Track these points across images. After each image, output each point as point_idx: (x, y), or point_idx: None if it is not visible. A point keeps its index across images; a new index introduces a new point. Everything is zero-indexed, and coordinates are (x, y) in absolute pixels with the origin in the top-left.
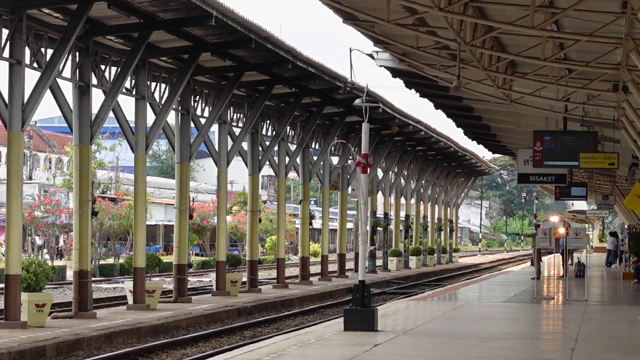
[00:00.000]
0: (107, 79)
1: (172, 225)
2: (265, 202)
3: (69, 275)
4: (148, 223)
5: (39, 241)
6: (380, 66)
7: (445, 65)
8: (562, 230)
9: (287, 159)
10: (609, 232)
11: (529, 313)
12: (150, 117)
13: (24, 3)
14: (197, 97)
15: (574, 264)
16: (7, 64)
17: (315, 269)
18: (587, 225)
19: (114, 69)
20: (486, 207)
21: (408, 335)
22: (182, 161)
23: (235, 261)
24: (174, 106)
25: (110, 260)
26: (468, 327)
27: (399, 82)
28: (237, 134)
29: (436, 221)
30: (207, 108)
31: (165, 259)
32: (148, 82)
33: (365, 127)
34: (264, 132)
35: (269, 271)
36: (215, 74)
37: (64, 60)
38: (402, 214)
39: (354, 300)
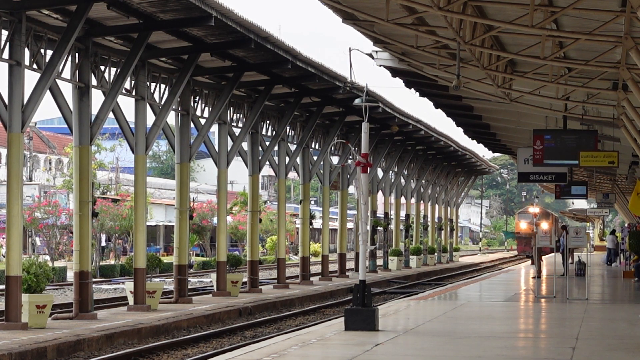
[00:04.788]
0: (107, 79)
1: (173, 226)
2: (265, 202)
3: (70, 276)
4: (148, 224)
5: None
6: (380, 66)
7: (445, 64)
8: (545, 226)
9: (287, 159)
10: (609, 230)
11: (530, 312)
12: (150, 118)
13: (23, 4)
14: (197, 97)
15: (574, 262)
16: (6, 65)
17: (315, 268)
18: (587, 224)
19: (113, 69)
20: (486, 206)
21: (409, 334)
22: (182, 162)
23: (235, 261)
24: (173, 107)
25: (111, 261)
26: (469, 327)
27: (399, 82)
28: (237, 134)
29: (436, 220)
30: (207, 108)
31: (166, 259)
32: (148, 83)
33: (365, 126)
34: (264, 132)
35: (269, 271)
36: (215, 75)
37: (64, 61)
38: (403, 213)
39: (355, 300)
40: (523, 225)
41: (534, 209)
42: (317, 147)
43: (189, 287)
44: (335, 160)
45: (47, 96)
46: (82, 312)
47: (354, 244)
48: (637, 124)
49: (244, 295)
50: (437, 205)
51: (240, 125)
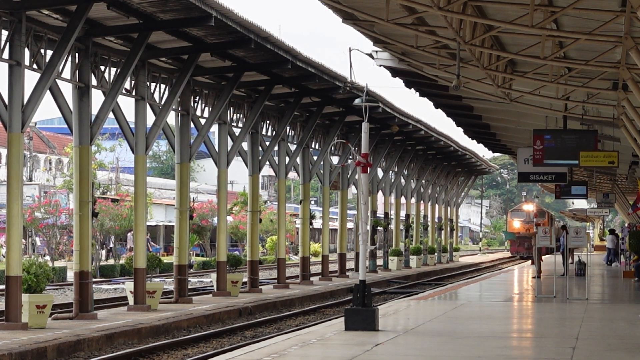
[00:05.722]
0: (107, 79)
1: (173, 226)
2: (265, 202)
3: (70, 276)
4: (148, 224)
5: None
6: (380, 66)
7: (445, 64)
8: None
9: (287, 159)
10: (608, 229)
11: (530, 312)
12: (150, 118)
13: (23, 4)
14: (197, 97)
15: (574, 262)
16: (6, 65)
17: (315, 268)
18: (587, 224)
19: (113, 69)
20: (486, 206)
21: (409, 334)
22: (182, 162)
23: (235, 261)
24: (173, 107)
25: (111, 261)
26: (469, 327)
27: (399, 82)
28: (237, 134)
29: (436, 220)
30: (207, 108)
31: (166, 259)
32: (148, 83)
33: (365, 126)
34: (264, 132)
35: (269, 271)
36: (215, 75)
37: (64, 61)
38: (403, 213)
39: (355, 300)
40: (516, 224)
41: (528, 207)
42: (317, 147)
43: (189, 287)
44: (335, 160)
45: (47, 96)
46: (82, 312)
47: (354, 244)
48: (637, 124)
49: (244, 295)
50: (437, 205)
51: (240, 125)
